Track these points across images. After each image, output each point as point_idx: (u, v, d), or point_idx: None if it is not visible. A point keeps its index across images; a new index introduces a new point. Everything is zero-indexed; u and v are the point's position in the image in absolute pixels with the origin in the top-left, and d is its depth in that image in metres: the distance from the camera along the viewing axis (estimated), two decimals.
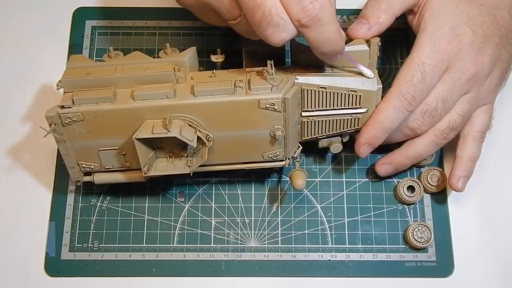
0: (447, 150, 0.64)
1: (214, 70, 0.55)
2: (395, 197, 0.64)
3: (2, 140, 0.66)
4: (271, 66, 0.52)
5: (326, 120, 0.57)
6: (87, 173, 0.59)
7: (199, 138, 0.54)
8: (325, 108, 0.56)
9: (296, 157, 0.60)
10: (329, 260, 0.61)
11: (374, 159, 0.64)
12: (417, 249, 0.61)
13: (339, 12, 0.69)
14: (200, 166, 0.56)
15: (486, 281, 0.61)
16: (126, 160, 0.57)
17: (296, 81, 0.54)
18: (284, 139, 0.56)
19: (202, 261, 0.61)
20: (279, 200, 0.64)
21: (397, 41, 0.69)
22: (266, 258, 0.61)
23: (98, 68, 0.55)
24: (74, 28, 0.70)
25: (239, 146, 0.56)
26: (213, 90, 0.53)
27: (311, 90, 0.55)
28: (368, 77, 0.55)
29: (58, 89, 0.54)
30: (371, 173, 0.64)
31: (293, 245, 0.62)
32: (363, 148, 0.58)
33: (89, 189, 0.63)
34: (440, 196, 0.64)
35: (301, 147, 0.60)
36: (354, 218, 0.63)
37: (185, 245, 0.62)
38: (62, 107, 0.53)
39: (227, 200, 0.63)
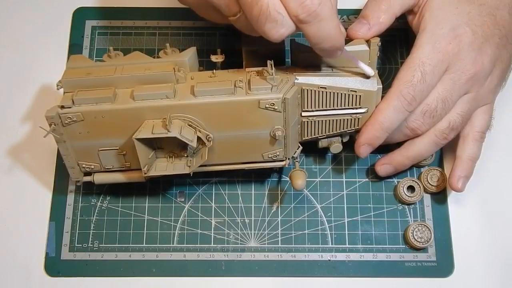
0: (447, 150, 0.64)
1: (214, 70, 0.55)
2: (395, 197, 0.64)
3: (2, 140, 0.66)
4: (271, 66, 0.52)
5: (326, 120, 0.57)
6: (87, 173, 0.59)
7: (199, 138, 0.54)
8: (325, 108, 0.56)
9: (296, 157, 0.60)
10: (329, 260, 0.61)
11: (374, 159, 0.64)
12: (417, 249, 0.61)
13: (339, 12, 0.68)
14: (200, 166, 0.56)
15: (486, 281, 0.61)
16: (126, 160, 0.57)
17: (296, 81, 0.54)
18: (284, 139, 0.56)
19: (202, 261, 0.61)
20: (279, 200, 0.64)
21: (397, 41, 0.69)
22: (266, 258, 0.61)
23: (98, 68, 0.55)
24: (74, 28, 0.70)
25: (239, 146, 0.56)
26: (213, 90, 0.53)
27: (311, 90, 0.55)
28: (369, 75, 0.55)
29: (58, 89, 0.54)
30: (371, 173, 0.64)
31: (293, 245, 0.62)
32: (363, 148, 0.58)
33: (89, 189, 0.63)
34: (440, 196, 0.64)
35: (301, 147, 0.60)
36: (354, 218, 0.63)
37: (185, 245, 0.62)
38: (62, 107, 0.53)
39: (227, 200, 0.63)
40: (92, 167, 0.58)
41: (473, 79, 0.57)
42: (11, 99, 0.67)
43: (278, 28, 0.47)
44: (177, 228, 0.62)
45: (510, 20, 0.58)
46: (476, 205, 0.64)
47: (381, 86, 0.56)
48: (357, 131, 0.58)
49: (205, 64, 0.65)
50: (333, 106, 0.56)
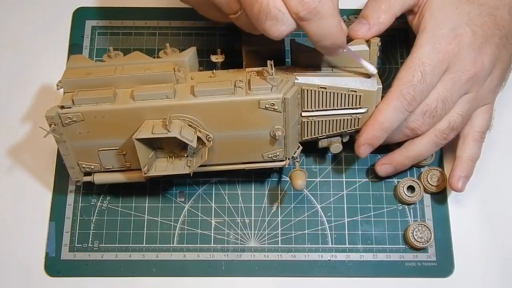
0: (447, 150, 0.64)
1: (214, 70, 0.55)
2: (395, 197, 0.64)
3: (2, 140, 0.66)
4: (271, 66, 0.52)
5: (326, 120, 0.57)
6: (87, 173, 0.59)
7: (199, 138, 0.54)
8: (325, 108, 0.56)
9: (296, 157, 0.60)
10: (329, 260, 0.61)
11: (374, 159, 0.64)
12: (417, 249, 0.61)
13: (339, 12, 0.68)
14: (200, 166, 0.56)
15: (486, 281, 0.61)
16: (126, 160, 0.57)
17: (296, 81, 0.54)
18: (284, 139, 0.56)
19: (202, 261, 0.61)
20: (279, 200, 0.64)
21: (397, 41, 0.69)
22: (266, 258, 0.61)
23: (98, 68, 0.55)
24: (74, 28, 0.70)
25: (239, 146, 0.56)
26: (213, 90, 0.53)
27: (311, 90, 0.55)
28: (372, 73, 0.55)
29: (58, 89, 0.54)
30: (371, 173, 0.64)
31: (293, 245, 0.62)
32: (363, 148, 0.58)
33: (89, 189, 0.63)
34: (440, 196, 0.64)
35: (301, 147, 0.60)
36: (354, 218, 0.63)
37: (185, 245, 0.62)
38: (62, 107, 0.53)
39: (227, 200, 0.63)
40: (92, 167, 0.58)
41: (473, 79, 0.57)
42: (11, 99, 0.67)
43: (279, 26, 0.47)
44: (177, 228, 0.62)
45: (510, 20, 0.58)
46: (476, 205, 0.64)
47: (381, 86, 0.56)
48: (357, 131, 0.58)
49: (205, 64, 0.65)
50: (333, 106, 0.56)
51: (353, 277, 0.61)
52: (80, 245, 0.62)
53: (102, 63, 0.57)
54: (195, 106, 0.53)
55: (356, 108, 0.56)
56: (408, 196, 0.62)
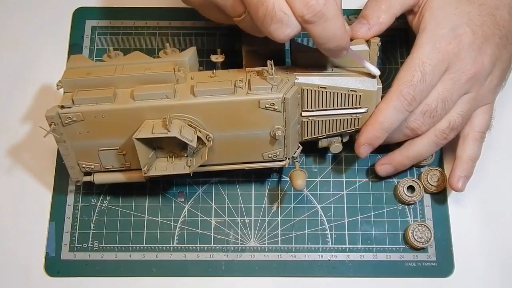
0: (447, 150, 0.64)
1: (214, 70, 0.55)
2: (395, 197, 0.64)
3: (2, 140, 0.66)
4: (271, 66, 0.52)
5: (326, 120, 0.57)
6: (87, 173, 0.59)
7: (199, 138, 0.54)
8: (325, 108, 0.56)
9: (296, 157, 0.60)
10: (329, 260, 0.61)
11: (374, 159, 0.64)
12: (417, 249, 0.61)
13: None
14: (200, 166, 0.56)
15: (486, 281, 0.61)
16: (126, 160, 0.57)
17: (296, 81, 0.54)
18: (284, 139, 0.56)
19: (202, 261, 0.61)
20: (279, 200, 0.64)
21: (397, 41, 0.69)
22: (266, 258, 0.61)
23: (98, 68, 0.55)
24: (74, 28, 0.70)
25: (239, 146, 0.56)
26: (213, 90, 0.53)
27: (311, 90, 0.55)
28: (375, 75, 0.55)
29: (58, 89, 0.54)
30: (371, 173, 0.64)
31: (293, 245, 0.62)
32: (363, 148, 0.58)
33: (89, 189, 0.63)
34: (440, 196, 0.64)
35: (301, 147, 0.60)
36: (354, 218, 0.63)
37: (185, 245, 0.62)
38: (62, 107, 0.53)
39: (227, 200, 0.63)
40: (92, 167, 0.58)
41: (473, 79, 0.57)
42: (11, 99, 0.67)
43: (284, 29, 0.47)
44: (177, 228, 0.62)
45: (510, 20, 0.59)
46: (476, 205, 0.64)
47: (381, 86, 0.56)
48: (357, 131, 0.58)
49: (205, 64, 0.65)
50: (333, 106, 0.56)
51: (353, 277, 0.61)
52: (80, 245, 0.62)
53: (102, 63, 0.57)
54: (195, 106, 0.53)
55: (356, 108, 0.56)
56: (408, 196, 0.62)
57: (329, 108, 0.56)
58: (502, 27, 0.58)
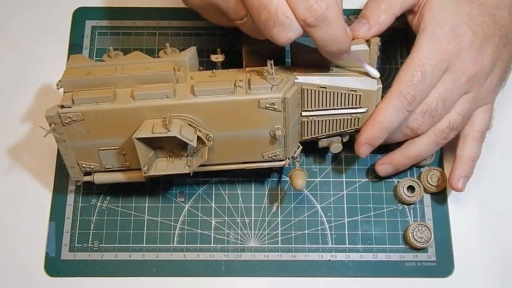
0: (447, 150, 0.64)
1: (214, 70, 0.55)
2: (395, 197, 0.64)
3: (2, 140, 0.66)
4: (271, 65, 0.52)
5: (326, 120, 0.57)
6: (87, 173, 0.59)
7: (199, 138, 0.54)
8: (325, 108, 0.56)
9: (296, 157, 0.60)
10: (329, 260, 0.61)
11: (374, 159, 0.64)
12: (417, 249, 0.61)
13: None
14: (200, 166, 0.56)
15: (486, 281, 0.61)
16: (126, 160, 0.57)
17: (296, 80, 0.54)
18: (284, 139, 0.56)
19: (202, 261, 0.61)
20: (279, 200, 0.64)
21: (397, 41, 0.69)
22: (266, 258, 0.61)
23: (98, 68, 0.55)
24: (74, 28, 0.70)
25: (239, 146, 0.56)
26: (213, 89, 0.53)
27: (311, 89, 0.55)
28: (374, 77, 0.55)
29: (58, 89, 0.54)
30: (371, 173, 0.64)
31: (293, 245, 0.62)
32: (363, 148, 0.58)
33: (89, 189, 0.63)
34: (440, 196, 0.64)
35: (301, 147, 0.60)
36: (354, 218, 0.63)
37: (185, 245, 0.62)
38: (62, 106, 0.53)
39: (227, 200, 0.63)
40: (92, 167, 0.58)
41: (473, 79, 0.57)
42: (11, 99, 0.67)
43: (286, 32, 0.47)
44: (177, 228, 0.62)
45: (510, 20, 0.59)
46: (476, 205, 0.64)
47: (381, 86, 0.56)
48: (357, 131, 0.58)
49: (205, 64, 0.65)
50: (333, 106, 0.56)
51: (353, 277, 0.61)
52: (80, 245, 0.62)
53: (102, 63, 0.57)
54: (195, 106, 0.53)
55: (356, 108, 0.56)
56: (408, 196, 0.62)
57: (329, 108, 0.56)
58: (502, 27, 0.58)
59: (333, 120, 0.57)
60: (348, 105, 0.56)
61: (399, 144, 0.61)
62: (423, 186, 0.63)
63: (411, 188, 0.63)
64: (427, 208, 0.63)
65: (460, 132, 0.60)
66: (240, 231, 0.62)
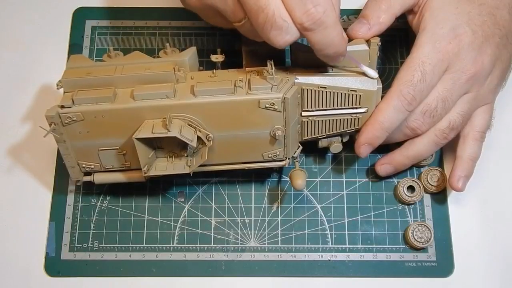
0: (447, 150, 0.64)
1: (214, 70, 0.55)
2: (395, 197, 0.64)
3: (2, 140, 0.66)
4: (271, 66, 0.52)
5: (326, 120, 0.57)
6: (87, 173, 0.59)
7: (199, 138, 0.54)
8: (325, 108, 0.56)
9: (296, 157, 0.60)
10: (329, 260, 0.61)
11: (374, 159, 0.64)
12: (417, 249, 0.61)
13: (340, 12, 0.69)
14: (200, 166, 0.56)
15: (486, 281, 0.61)
16: (126, 160, 0.57)
17: (296, 80, 0.54)
18: (284, 139, 0.56)
19: (202, 261, 0.61)
20: (279, 200, 0.64)
21: (397, 41, 0.69)
22: (266, 258, 0.61)
23: (98, 68, 0.55)
24: (74, 28, 0.70)
25: (239, 146, 0.56)
26: (213, 90, 0.53)
27: (311, 90, 0.55)
28: (372, 77, 0.55)
29: (58, 89, 0.54)
30: (371, 173, 0.64)
31: (293, 245, 0.62)
32: (363, 148, 0.58)
33: (89, 189, 0.63)
34: (440, 196, 0.64)
35: (301, 147, 0.60)
36: (354, 218, 0.63)
37: (185, 245, 0.62)
38: (62, 107, 0.53)
39: (227, 200, 0.63)
40: (92, 167, 0.58)
41: (473, 78, 0.57)
42: (11, 99, 0.67)
43: (283, 35, 0.48)
44: (177, 228, 0.62)
45: (510, 20, 0.59)
46: (476, 205, 0.64)
47: (381, 86, 0.56)
48: (357, 131, 0.58)
49: (205, 64, 0.65)
50: (333, 106, 0.56)
51: (353, 277, 0.61)
52: (80, 245, 0.62)
53: (102, 63, 0.57)
54: (195, 106, 0.53)
55: (356, 108, 0.56)
56: (408, 196, 0.62)
57: (329, 108, 0.56)
58: (502, 27, 0.58)
59: (333, 120, 0.57)
60: (348, 105, 0.56)
61: (399, 144, 0.61)
62: (423, 186, 0.63)
63: (411, 188, 0.63)
64: (427, 208, 0.63)
65: (460, 132, 0.60)
66: (240, 231, 0.62)
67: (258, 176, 0.64)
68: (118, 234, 0.62)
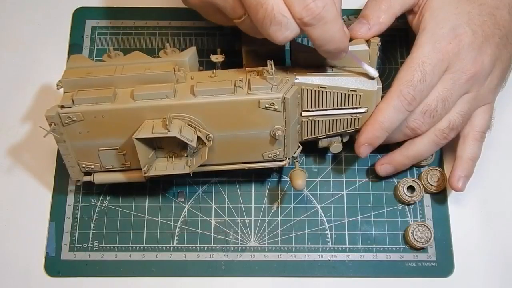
0: (447, 150, 0.64)
1: (214, 70, 0.55)
2: (395, 197, 0.64)
3: (2, 140, 0.66)
4: (271, 66, 0.52)
5: (326, 120, 0.57)
6: (87, 173, 0.59)
7: (199, 138, 0.54)
8: (325, 108, 0.56)
9: (296, 157, 0.60)
10: (329, 260, 0.61)
11: (374, 159, 0.64)
12: (417, 249, 0.61)
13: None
14: (200, 166, 0.56)
15: (486, 281, 0.61)
16: (126, 160, 0.57)
17: (296, 81, 0.54)
18: (284, 139, 0.56)
19: (202, 261, 0.61)
20: (279, 200, 0.64)
21: (397, 41, 0.69)
22: (266, 258, 0.61)
23: (98, 68, 0.55)
24: (74, 28, 0.70)
25: (239, 146, 0.56)
26: (213, 90, 0.53)
27: (311, 90, 0.55)
28: (373, 76, 0.55)
29: (58, 89, 0.54)
30: (371, 173, 0.64)
31: (293, 245, 0.62)
32: (363, 148, 0.58)
33: (89, 189, 0.63)
34: (440, 196, 0.64)
35: (301, 147, 0.60)
36: (354, 218, 0.63)
37: (185, 245, 0.62)
38: (62, 107, 0.53)
39: (227, 200, 0.63)
40: (92, 167, 0.58)
41: (473, 78, 0.57)
42: (11, 99, 0.67)
43: (283, 31, 0.47)
44: (177, 228, 0.62)
45: (510, 20, 0.59)
46: (476, 205, 0.64)
47: (381, 86, 0.56)
48: (357, 131, 0.58)
49: (205, 64, 0.65)
50: (333, 106, 0.56)
51: (353, 277, 0.61)
52: (80, 245, 0.62)
53: (102, 63, 0.57)
54: (195, 106, 0.53)
55: (356, 108, 0.56)
56: (408, 196, 0.62)
57: (329, 108, 0.56)
58: (502, 27, 0.58)
59: (333, 120, 0.57)
60: (348, 105, 0.56)
61: (399, 144, 0.61)
62: (423, 186, 0.63)
63: (411, 188, 0.63)
64: (427, 208, 0.63)
65: (460, 132, 0.60)
66: (240, 231, 0.62)
67: (258, 176, 0.64)
68: (118, 234, 0.62)
